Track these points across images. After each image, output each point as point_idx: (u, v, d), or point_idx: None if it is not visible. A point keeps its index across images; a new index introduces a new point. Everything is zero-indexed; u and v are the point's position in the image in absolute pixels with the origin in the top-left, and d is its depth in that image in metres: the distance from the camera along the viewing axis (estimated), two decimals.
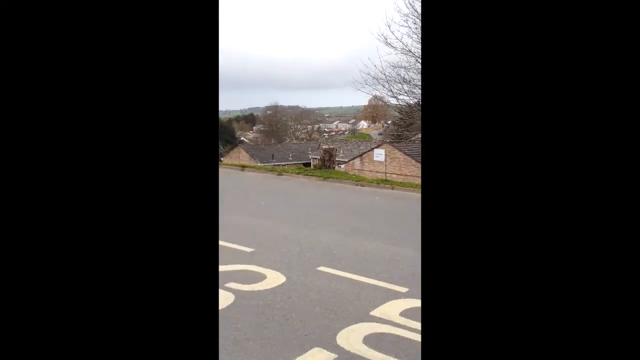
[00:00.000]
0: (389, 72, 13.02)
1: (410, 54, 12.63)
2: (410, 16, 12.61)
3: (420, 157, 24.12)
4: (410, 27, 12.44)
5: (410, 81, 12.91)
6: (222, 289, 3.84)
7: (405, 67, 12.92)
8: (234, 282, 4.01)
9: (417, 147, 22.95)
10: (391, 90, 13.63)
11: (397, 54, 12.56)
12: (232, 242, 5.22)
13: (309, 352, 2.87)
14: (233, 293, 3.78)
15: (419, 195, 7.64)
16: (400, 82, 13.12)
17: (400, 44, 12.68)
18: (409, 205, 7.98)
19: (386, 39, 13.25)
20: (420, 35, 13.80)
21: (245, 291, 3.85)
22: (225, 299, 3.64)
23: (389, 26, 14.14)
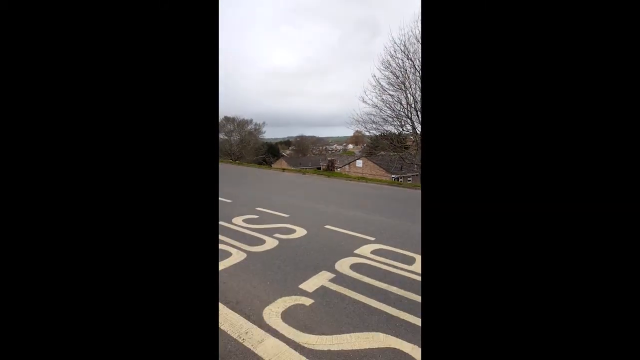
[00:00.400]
0: (364, 118, 15.91)
1: (377, 107, 15.24)
2: (377, 86, 15.34)
3: (381, 165, 24.54)
4: (376, 93, 15.20)
5: (376, 122, 15.56)
6: (271, 237, 4.18)
7: (373, 114, 15.68)
8: (278, 233, 4.34)
9: (380, 158, 27.09)
10: (365, 128, 16.45)
11: (368, 107, 15.21)
12: (276, 211, 5.54)
13: (319, 273, 3.11)
14: (277, 240, 4.10)
15: (381, 185, 7.65)
16: (370, 123, 15.85)
17: (371, 101, 15.36)
18: (376, 191, 8.33)
19: (363, 99, 19.27)
20: (381, 96, 14.19)
21: (284, 239, 4.16)
22: (273, 243, 4.01)
23: (365, 92, 18.25)
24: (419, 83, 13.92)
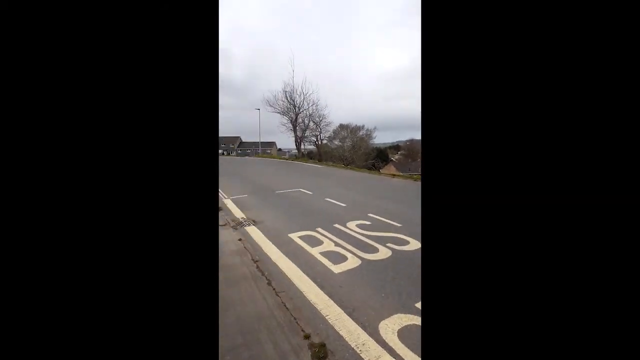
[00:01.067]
0: None
1: None
2: None
3: None
4: None
5: None
6: (384, 246, 4.03)
7: None
8: (390, 243, 4.14)
9: None
10: None
11: None
12: (388, 219, 5.28)
13: None
14: (391, 250, 3.95)
15: None
16: None
17: None
18: None
19: None
20: None
21: (397, 249, 3.95)
22: (386, 252, 3.88)
23: None
24: None
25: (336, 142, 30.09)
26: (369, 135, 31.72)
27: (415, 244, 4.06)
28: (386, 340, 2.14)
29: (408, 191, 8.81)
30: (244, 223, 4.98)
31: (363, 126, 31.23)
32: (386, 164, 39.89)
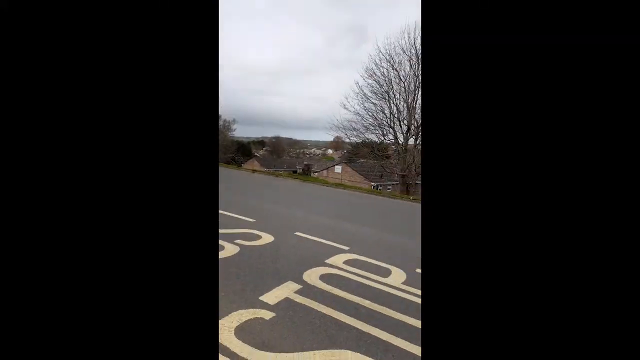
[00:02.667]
0: (345, 124, 16.41)
1: (358, 115, 15.89)
2: (359, 94, 16.30)
3: (361, 172, 24.94)
4: (359, 100, 15.61)
5: (357, 129, 16.08)
6: (231, 243, 3.86)
7: (354, 121, 16.18)
8: (240, 239, 4.01)
9: (359, 165, 27.29)
10: (346, 134, 17.09)
11: (349, 114, 16.25)
12: (241, 215, 5.20)
13: (284, 284, 2.90)
14: (239, 246, 3.79)
15: (360, 193, 7.71)
16: (351, 130, 16.31)
17: (352, 108, 16.22)
18: (353, 199, 8.25)
19: (344, 105, 19.11)
20: (363, 104, 14.82)
21: (246, 245, 3.86)
22: (233, 249, 3.71)
23: (346, 98, 22.37)
24: (404, 94, 14.28)
25: None
26: (227, 127, 30.76)
27: (267, 238, 4.06)
28: (220, 341, 1.96)
29: (268, 186, 9.05)
30: None
31: (219, 116, 30.17)
32: (249, 159, 39.63)
